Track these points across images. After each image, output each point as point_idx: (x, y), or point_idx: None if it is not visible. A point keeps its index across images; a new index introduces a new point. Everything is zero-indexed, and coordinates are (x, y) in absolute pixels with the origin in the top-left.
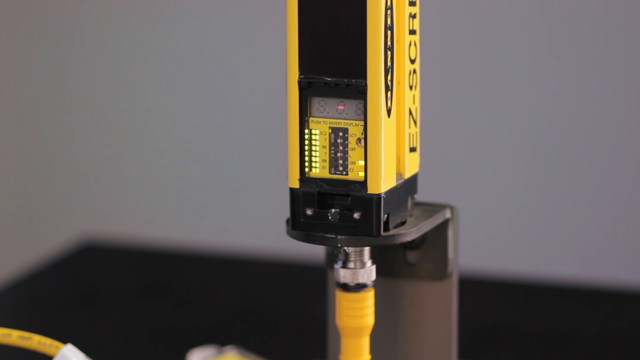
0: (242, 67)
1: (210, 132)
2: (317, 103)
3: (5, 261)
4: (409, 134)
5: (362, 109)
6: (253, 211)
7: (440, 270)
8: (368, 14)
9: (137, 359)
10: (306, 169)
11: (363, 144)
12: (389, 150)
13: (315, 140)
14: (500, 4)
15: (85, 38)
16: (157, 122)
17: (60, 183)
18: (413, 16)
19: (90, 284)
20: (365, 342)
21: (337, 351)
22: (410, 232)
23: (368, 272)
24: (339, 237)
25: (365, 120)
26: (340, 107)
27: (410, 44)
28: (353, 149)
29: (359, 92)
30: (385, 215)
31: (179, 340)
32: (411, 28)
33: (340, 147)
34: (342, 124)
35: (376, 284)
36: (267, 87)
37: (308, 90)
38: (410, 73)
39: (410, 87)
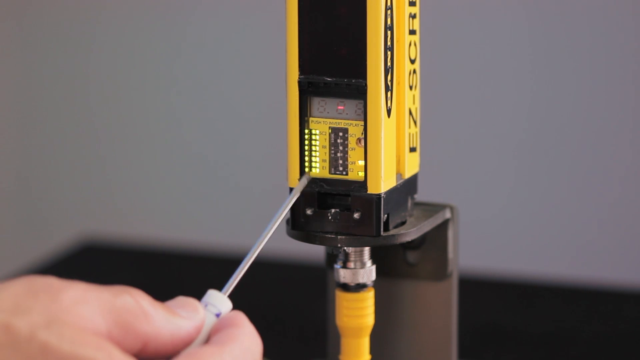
0: (242, 67)
1: (210, 132)
2: (317, 103)
3: (6, 261)
4: (409, 134)
5: (362, 109)
6: (253, 211)
7: (440, 270)
8: (368, 14)
9: None
10: (306, 169)
11: (363, 144)
12: (389, 150)
13: (315, 140)
14: (499, 4)
15: (85, 38)
16: (157, 122)
17: (60, 183)
18: (413, 16)
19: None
20: (365, 342)
21: (337, 351)
22: (410, 232)
23: (368, 272)
24: (339, 237)
25: (365, 120)
26: (340, 107)
27: (410, 44)
28: (353, 149)
29: (359, 92)
30: (385, 215)
31: None
32: (411, 28)
33: (340, 147)
34: (342, 124)
35: (376, 284)
36: (267, 87)
37: (308, 90)
38: (410, 73)
39: (410, 87)
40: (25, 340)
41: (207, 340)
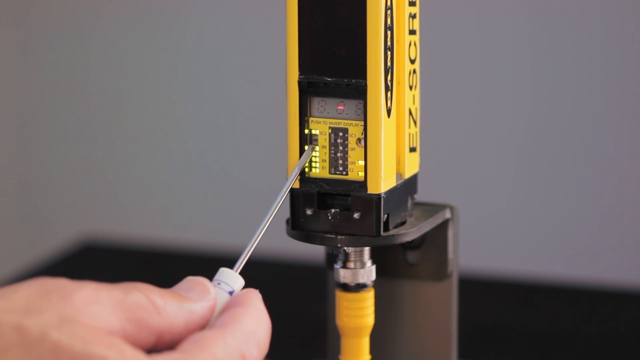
0: (242, 67)
1: (210, 132)
2: (317, 103)
3: (6, 261)
4: (409, 134)
5: (362, 109)
6: (253, 211)
7: (440, 270)
8: (368, 14)
9: None
10: (306, 169)
11: (363, 144)
12: (389, 150)
13: (315, 140)
14: (499, 4)
15: (85, 38)
16: (157, 122)
17: (61, 183)
18: (413, 16)
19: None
20: (365, 342)
21: (337, 351)
22: (410, 232)
23: (368, 272)
24: (339, 237)
25: (365, 120)
26: (340, 107)
27: (410, 44)
28: (353, 149)
29: (359, 92)
30: (385, 216)
31: None
32: (411, 28)
33: (340, 147)
34: (342, 124)
35: (376, 284)
36: (267, 87)
37: (308, 90)
38: (410, 73)
39: (410, 87)
40: (37, 340)
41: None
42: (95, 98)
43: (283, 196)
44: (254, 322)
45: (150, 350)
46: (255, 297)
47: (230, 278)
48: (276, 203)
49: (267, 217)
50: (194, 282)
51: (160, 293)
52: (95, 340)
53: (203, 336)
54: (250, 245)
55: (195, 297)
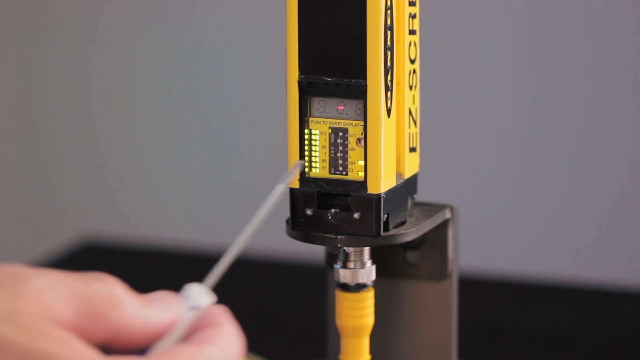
0: (242, 67)
1: (210, 132)
2: (317, 103)
3: (6, 261)
4: (409, 134)
5: (362, 109)
6: (253, 211)
7: (440, 270)
8: (368, 14)
9: None
10: (306, 169)
11: (363, 144)
12: (389, 150)
13: (315, 140)
14: (499, 4)
15: (85, 38)
16: (157, 122)
17: (61, 183)
18: (413, 16)
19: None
20: (365, 342)
21: (337, 351)
22: (410, 232)
23: (368, 272)
24: (338, 237)
25: (365, 120)
26: (340, 107)
27: (410, 44)
28: (353, 149)
29: (359, 92)
30: (385, 216)
31: None
32: (411, 28)
33: (340, 147)
34: (342, 124)
35: (376, 284)
36: (267, 87)
37: (308, 90)
38: (410, 73)
39: (410, 87)
40: None
41: (186, 338)
42: (95, 98)
43: (268, 210)
44: (231, 343)
45: (107, 348)
46: (227, 317)
47: (199, 294)
48: (257, 219)
49: (249, 229)
50: (161, 295)
51: (125, 290)
52: (42, 334)
53: (176, 349)
54: (224, 261)
55: (159, 308)
